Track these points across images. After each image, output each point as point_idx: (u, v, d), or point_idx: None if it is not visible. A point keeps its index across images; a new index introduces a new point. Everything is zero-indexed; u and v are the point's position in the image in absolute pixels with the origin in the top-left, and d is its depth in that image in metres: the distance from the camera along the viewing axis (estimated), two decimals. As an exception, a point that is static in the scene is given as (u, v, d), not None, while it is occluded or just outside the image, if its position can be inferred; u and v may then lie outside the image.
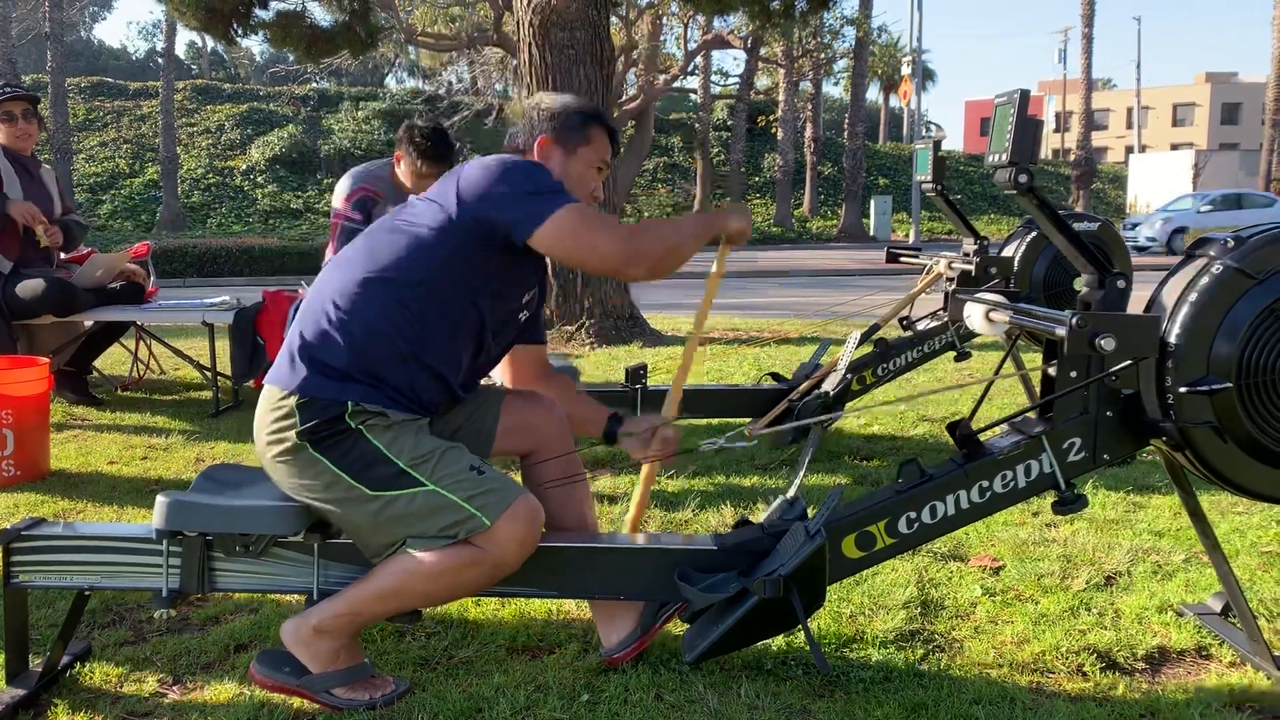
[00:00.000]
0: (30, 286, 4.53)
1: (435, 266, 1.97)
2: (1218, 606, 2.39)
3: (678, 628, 2.26)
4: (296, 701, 2.01)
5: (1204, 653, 2.26)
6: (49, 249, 4.76)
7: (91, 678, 2.15)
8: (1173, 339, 1.96)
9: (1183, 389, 1.95)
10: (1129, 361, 1.99)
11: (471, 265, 1.98)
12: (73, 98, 27.81)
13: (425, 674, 2.15)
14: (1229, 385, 1.94)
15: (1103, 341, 1.92)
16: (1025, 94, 2.02)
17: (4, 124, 4.62)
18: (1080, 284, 2.18)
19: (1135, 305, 2.09)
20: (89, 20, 58.73)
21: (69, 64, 27.65)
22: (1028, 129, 2.02)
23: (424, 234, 1.98)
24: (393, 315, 1.95)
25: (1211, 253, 1.99)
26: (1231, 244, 1.96)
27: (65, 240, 4.83)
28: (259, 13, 10.11)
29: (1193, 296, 1.96)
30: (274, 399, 1.96)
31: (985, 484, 2.07)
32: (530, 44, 7.21)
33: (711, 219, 2.19)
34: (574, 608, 2.47)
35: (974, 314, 2.37)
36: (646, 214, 27.92)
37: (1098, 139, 43.83)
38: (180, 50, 48.59)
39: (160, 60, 29.68)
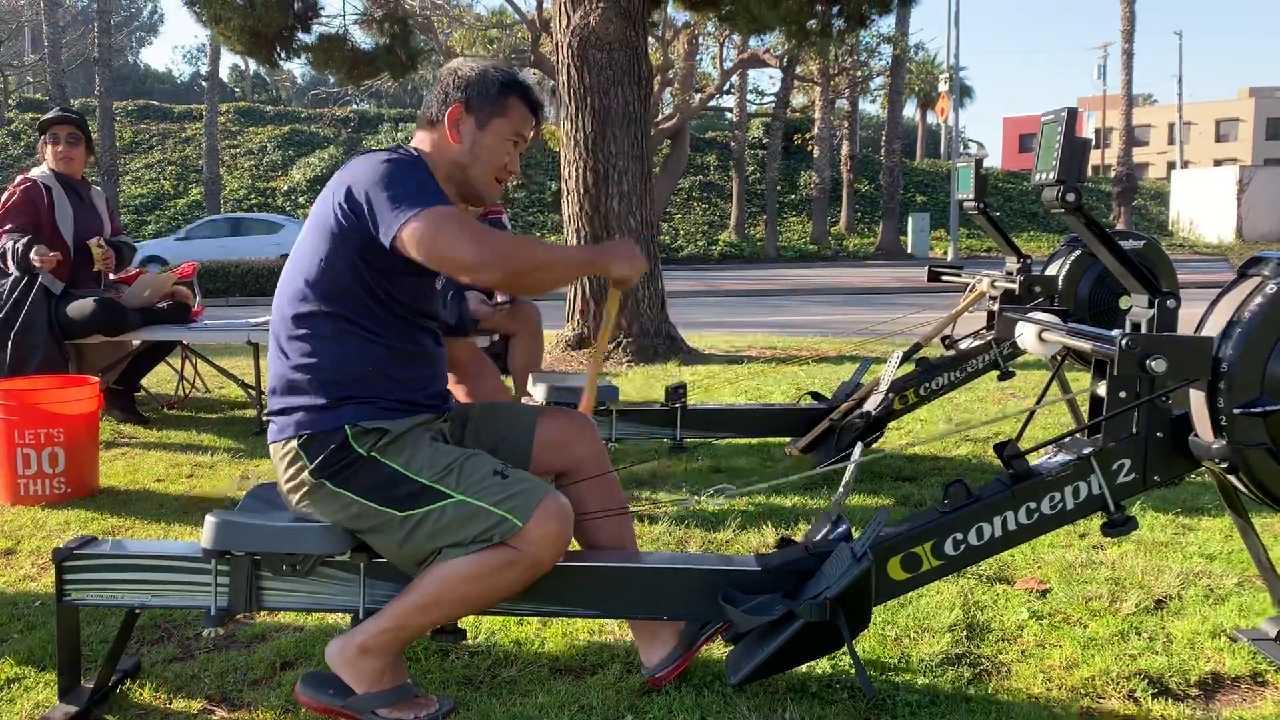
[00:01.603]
0: (80, 307, 4.62)
1: (343, 273, 1.96)
2: (1273, 632, 2.34)
3: (721, 649, 2.25)
4: (342, 720, 2.02)
5: (1259, 679, 2.21)
6: (98, 271, 4.86)
7: (141, 694, 2.17)
8: (1225, 360, 1.93)
9: (1236, 410, 1.92)
10: (1181, 383, 1.96)
11: (369, 267, 1.96)
12: (120, 120, 28.38)
13: (469, 693, 2.15)
14: (1284, 406, 1.91)
15: (1154, 363, 1.90)
16: (1073, 112, 2.01)
17: (49, 145, 4.74)
18: (1126, 303, 2.16)
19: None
20: (136, 45, 59.97)
21: (116, 88, 28.24)
22: (1075, 147, 2.01)
23: (323, 247, 1.97)
24: (341, 340, 1.97)
25: (1265, 272, 1.95)
26: (1286, 263, 1.93)
27: (115, 261, 4.92)
28: (302, 36, 10.28)
29: (1246, 316, 1.93)
30: (278, 452, 2.01)
31: (1033, 505, 2.04)
32: (569, 65, 7.26)
33: (596, 256, 2.12)
34: (616, 628, 2.47)
35: (1026, 333, 2.35)
36: (683, 233, 27.97)
37: (1139, 155, 43.35)
38: (224, 73, 49.38)
39: (204, 83, 30.22)
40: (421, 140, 2.13)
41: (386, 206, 1.89)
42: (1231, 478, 2.03)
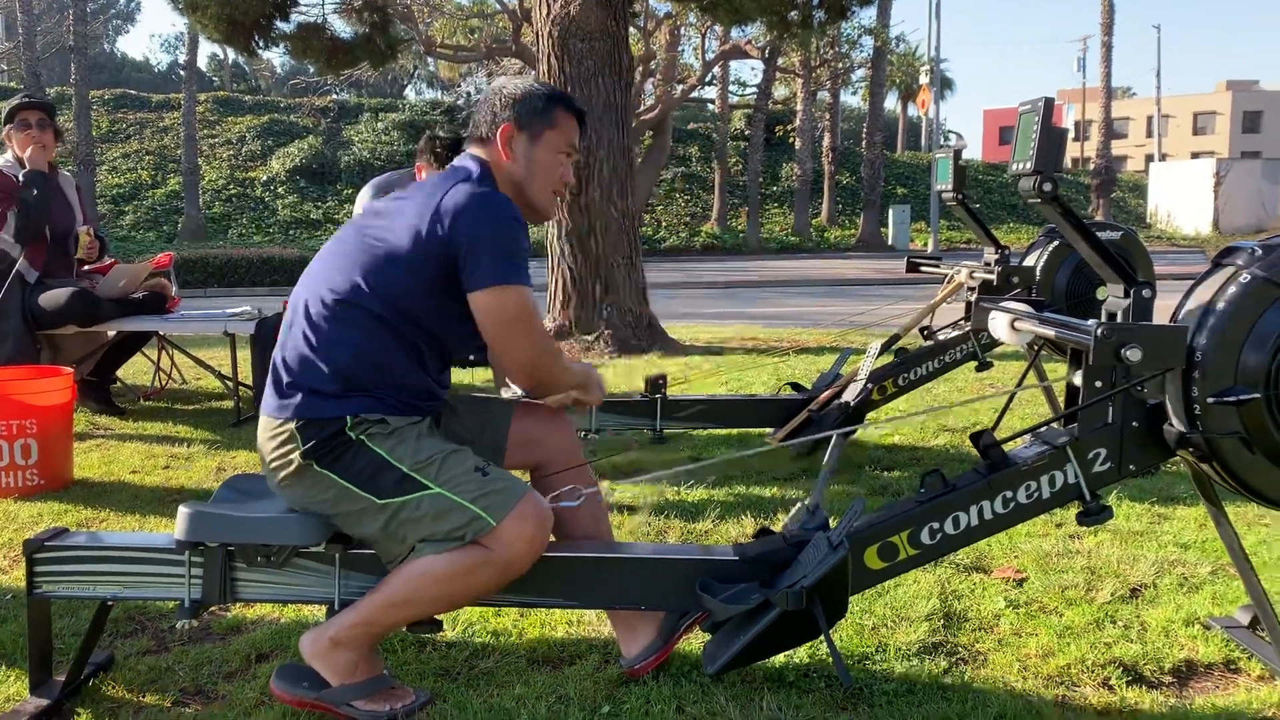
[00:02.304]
0: (54, 297, 4.57)
1: (407, 286, 1.96)
2: (1246, 620, 2.36)
3: (698, 639, 2.25)
4: (318, 714, 2.00)
5: (1232, 666, 2.23)
6: (73, 261, 4.82)
7: (114, 688, 2.15)
8: (1199, 349, 1.94)
9: (1210, 399, 1.93)
10: (1155, 372, 1.96)
11: (439, 285, 1.97)
12: (96, 110, 28.08)
13: (446, 685, 2.15)
14: (1257, 396, 1.92)
15: (1129, 352, 1.90)
16: (1050, 102, 2.01)
17: (19, 132, 4.65)
18: (1103, 293, 2.16)
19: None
20: (112, 33, 59.33)
21: (92, 76, 27.94)
22: (1052, 137, 2.01)
23: (397, 252, 1.96)
24: (374, 337, 1.96)
25: (1239, 262, 1.96)
26: (1259, 253, 1.94)
27: (98, 251, 4.89)
28: (280, 25, 10.19)
29: (1220, 306, 1.94)
30: (271, 428, 1.98)
31: (1009, 494, 2.05)
32: (549, 55, 7.23)
33: (583, 379, 2.21)
34: (594, 619, 2.47)
35: (999, 323, 2.35)
36: (665, 224, 27.95)
37: (1117, 148, 43.60)
38: (202, 62, 49.02)
39: (182, 72, 29.91)
40: (478, 153, 2.13)
41: (483, 258, 1.93)
42: (1205, 467, 2.05)
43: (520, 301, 1.96)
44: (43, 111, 4.72)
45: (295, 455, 1.94)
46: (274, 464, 1.98)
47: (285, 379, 1.98)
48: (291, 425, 1.94)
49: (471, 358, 5.12)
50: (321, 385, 1.95)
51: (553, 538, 2.20)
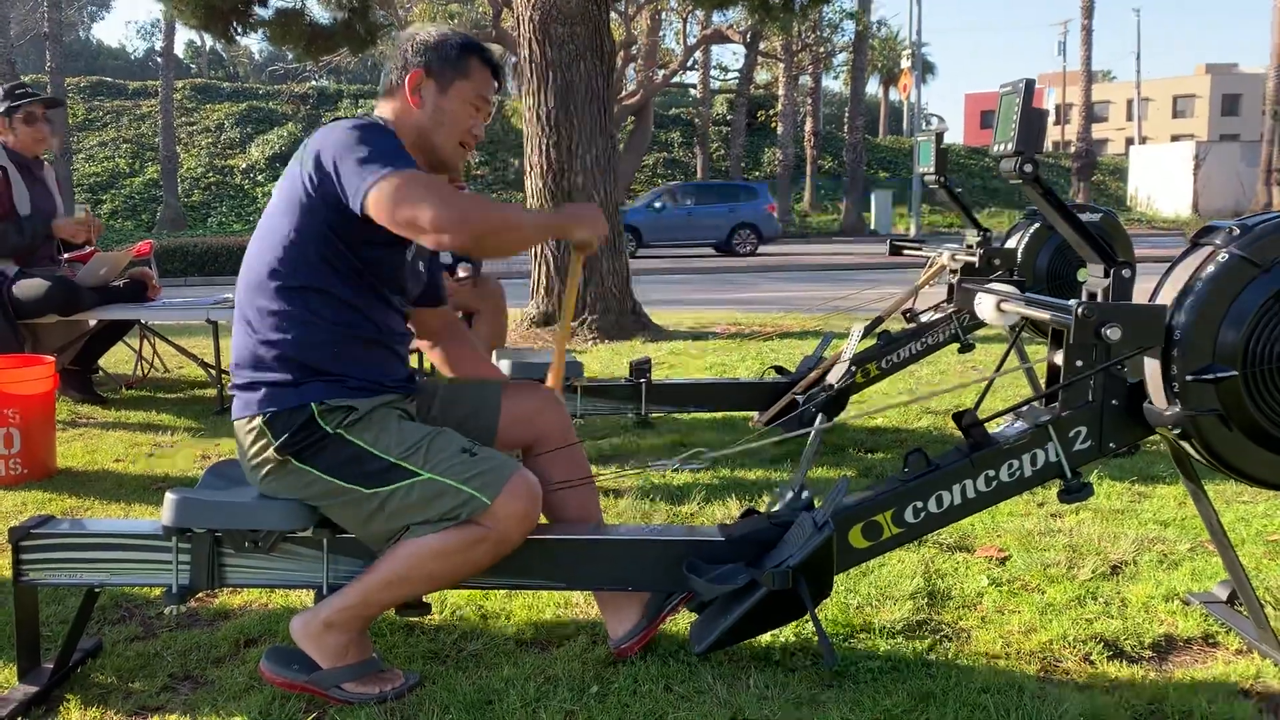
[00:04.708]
0: (34, 286, 4.54)
1: (315, 251, 1.93)
2: (1224, 595, 2.40)
3: (686, 619, 2.27)
4: (307, 697, 2.01)
5: (1211, 641, 2.26)
6: (54, 250, 4.79)
7: (103, 674, 2.15)
8: (1178, 327, 1.96)
9: (1188, 377, 1.95)
10: (1135, 350, 1.99)
11: (340, 238, 1.93)
12: (72, 97, 27.82)
13: (435, 667, 2.16)
14: (1234, 373, 1.94)
15: (1109, 331, 1.93)
16: (1030, 83, 2.03)
17: (24, 125, 4.65)
18: (1084, 274, 2.18)
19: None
20: (87, 20, 58.69)
21: (68, 64, 27.65)
22: (1033, 118, 2.02)
23: (292, 220, 1.94)
24: (308, 316, 1.95)
25: (1217, 241, 1.98)
26: (1237, 232, 1.96)
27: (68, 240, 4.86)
28: (258, 11, 10.10)
29: (1198, 285, 1.96)
30: (242, 430, 1.99)
31: (991, 473, 2.07)
32: (530, 40, 7.20)
33: (557, 221, 2.11)
34: (582, 600, 2.48)
35: (984, 304, 2.37)
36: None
37: (1098, 131, 43.80)
38: (179, 49, 48.51)
39: (159, 59, 29.65)
40: (384, 110, 2.10)
41: (353, 170, 1.85)
42: (1184, 444, 2.07)
43: (388, 186, 1.79)
44: (46, 105, 4.74)
45: (270, 452, 1.94)
46: (253, 464, 1.98)
47: (243, 379, 1.98)
48: (259, 422, 1.94)
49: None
50: (277, 375, 1.94)
51: (545, 520, 2.22)
